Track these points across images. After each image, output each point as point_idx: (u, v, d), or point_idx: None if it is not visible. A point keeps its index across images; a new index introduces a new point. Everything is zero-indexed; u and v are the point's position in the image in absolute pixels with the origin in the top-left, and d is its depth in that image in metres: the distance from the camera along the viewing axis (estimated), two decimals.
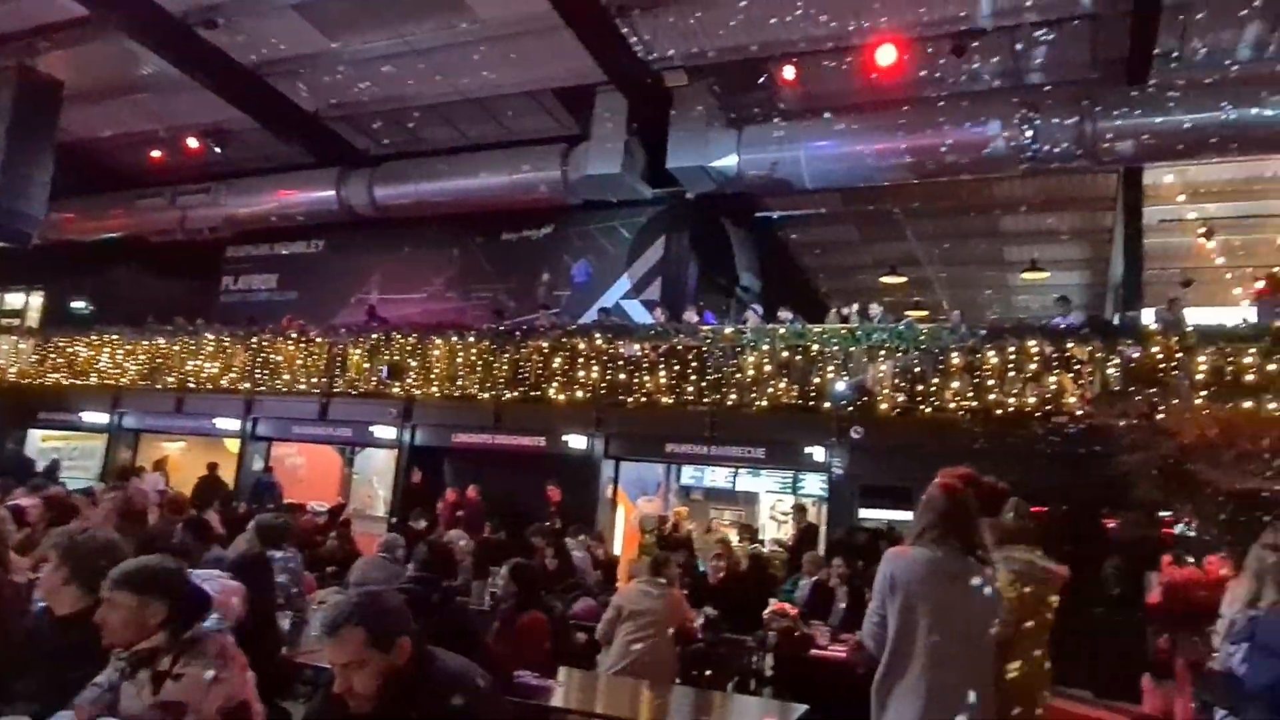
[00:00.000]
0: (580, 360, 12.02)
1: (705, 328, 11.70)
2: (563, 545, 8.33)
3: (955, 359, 10.34)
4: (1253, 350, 9.15)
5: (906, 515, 9.31)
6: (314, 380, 13.73)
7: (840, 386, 10.65)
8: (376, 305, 15.49)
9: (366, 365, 13.42)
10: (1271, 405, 8.70)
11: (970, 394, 10.18)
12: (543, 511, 11.06)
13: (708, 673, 6.41)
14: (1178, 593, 7.20)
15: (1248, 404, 8.72)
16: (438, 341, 13.04)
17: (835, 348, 10.86)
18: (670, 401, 11.44)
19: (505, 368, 12.46)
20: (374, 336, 13.49)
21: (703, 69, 12.23)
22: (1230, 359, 9.16)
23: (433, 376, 12.94)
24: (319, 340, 13.94)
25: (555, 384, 12.06)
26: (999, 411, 10.01)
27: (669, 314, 12.52)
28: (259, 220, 16.84)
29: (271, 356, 14.19)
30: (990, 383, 10.15)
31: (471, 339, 12.85)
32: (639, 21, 11.78)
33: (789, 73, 11.80)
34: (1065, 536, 10.33)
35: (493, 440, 12.41)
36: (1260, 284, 14.09)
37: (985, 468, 9.90)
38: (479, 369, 12.67)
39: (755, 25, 11.34)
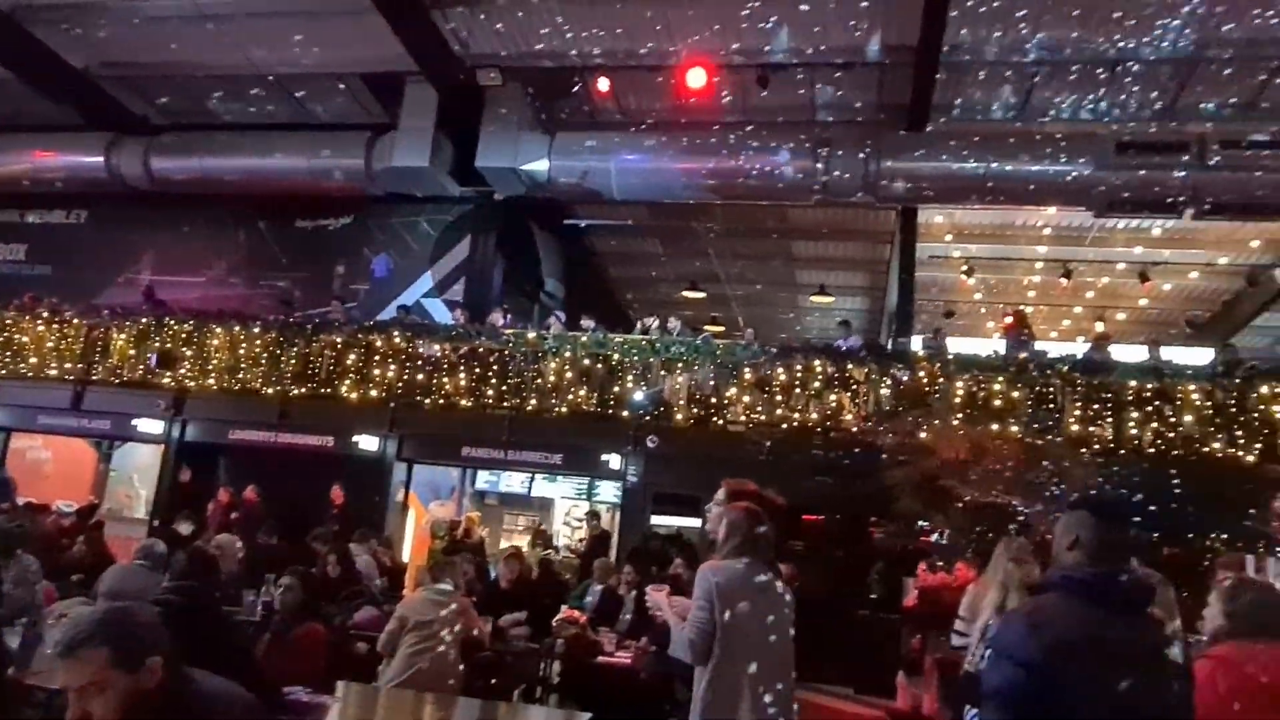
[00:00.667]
0: (376, 358, 11.55)
1: (508, 331, 11.59)
2: (346, 551, 7.94)
3: (747, 374, 10.85)
4: (1001, 378, 10.24)
5: (696, 522, 9.69)
6: (67, 366, 12.34)
7: (638, 396, 10.88)
8: (154, 287, 14.12)
9: (132, 352, 12.22)
10: (1014, 428, 9.76)
11: (759, 408, 10.73)
12: (327, 515, 10.51)
13: (493, 681, 6.32)
14: (930, 596, 7.92)
15: (995, 426, 9.73)
16: (218, 330, 12.11)
17: (635, 358, 11.09)
18: (469, 404, 11.24)
19: (293, 362, 11.76)
20: (143, 321, 12.31)
21: (518, 71, 12.15)
22: (982, 385, 10.19)
23: (210, 368, 11.99)
24: (75, 321, 12.55)
25: (348, 382, 11.52)
26: (784, 425, 10.60)
27: (471, 315, 12.29)
28: (9, 183, 14.96)
29: (16, 337, 12.62)
30: (778, 398, 10.74)
31: (256, 329, 12.03)
32: (455, 16, 11.52)
33: (603, 84, 11.96)
34: (837, 543, 11.17)
35: (275, 438, 11.66)
36: (1008, 319, 15.81)
37: (770, 478, 10.38)
38: (264, 362, 11.88)
39: (570, 34, 11.40)
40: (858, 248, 16.05)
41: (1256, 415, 9.71)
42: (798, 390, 10.67)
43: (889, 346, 12.67)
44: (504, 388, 11.23)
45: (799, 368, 10.73)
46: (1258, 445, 9.58)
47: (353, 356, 11.60)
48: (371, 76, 13.05)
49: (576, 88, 12.31)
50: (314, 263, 14.67)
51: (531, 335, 11.53)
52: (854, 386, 10.59)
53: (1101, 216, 11.64)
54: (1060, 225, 14.00)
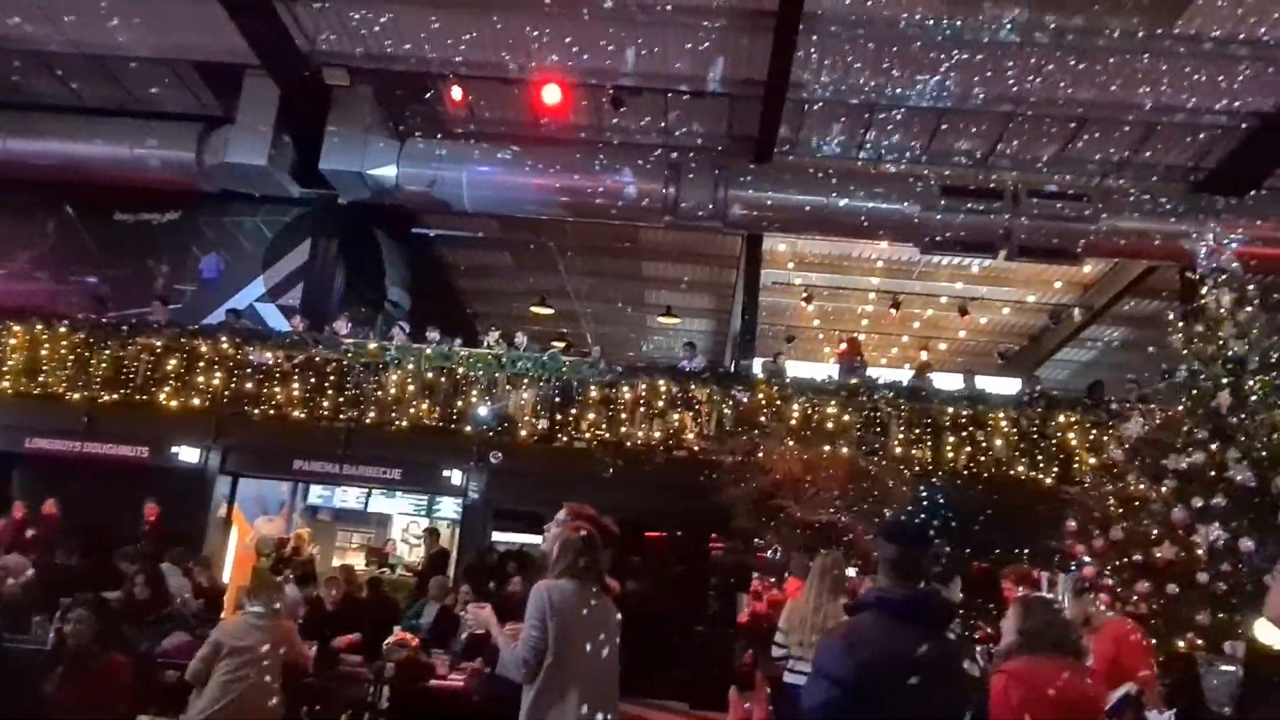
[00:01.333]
0: (201, 364, 10.86)
1: (348, 341, 11.16)
2: (156, 571, 7.36)
3: (594, 392, 10.91)
4: (834, 402, 10.75)
5: (539, 539, 9.62)
6: None
7: (483, 411, 10.72)
8: None
9: None
10: (844, 449, 10.26)
11: (604, 426, 10.80)
12: (139, 532, 9.72)
13: (318, 709, 6.02)
14: (761, 612, 8.17)
15: (827, 447, 10.20)
16: (16, 329, 11.05)
17: (481, 372, 10.93)
18: (302, 415, 10.74)
19: (104, 366, 10.88)
20: None
21: (368, 73, 11.77)
22: (817, 408, 10.67)
23: (5, 369, 10.92)
24: None
25: (167, 388, 10.76)
26: (629, 444, 10.73)
27: (309, 323, 11.75)
28: None
29: None
30: (623, 416, 10.86)
31: (63, 329, 11.06)
32: (301, 11, 11.05)
33: (456, 94, 11.77)
34: (678, 559, 11.38)
35: (81, 448, 10.71)
36: (843, 346, 16.64)
37: (614, 495, 10.40)
38: (70, 364, 10.93)
39: (425, 40, 11.17)
40: (705, 271, 16.49)
41: (1054, 441, 10.63)
42: (642, 409, 10.82)
43: (732, 368, 13.06)
44: (341, 399, 10.82)
45: (644, 387, 10.88)
46: (1055, 468, 10.48)
47: (174, 361, 10.86)
48: (206, 65, 12.30)
49: (429, 94, 12.06)
50: (133, 259, 13.63)
51: (373, 345, 11.15)
52: (696, 406, 10.84)
53: (927, 253, 12.44)
54: (891, 259, 14.90)
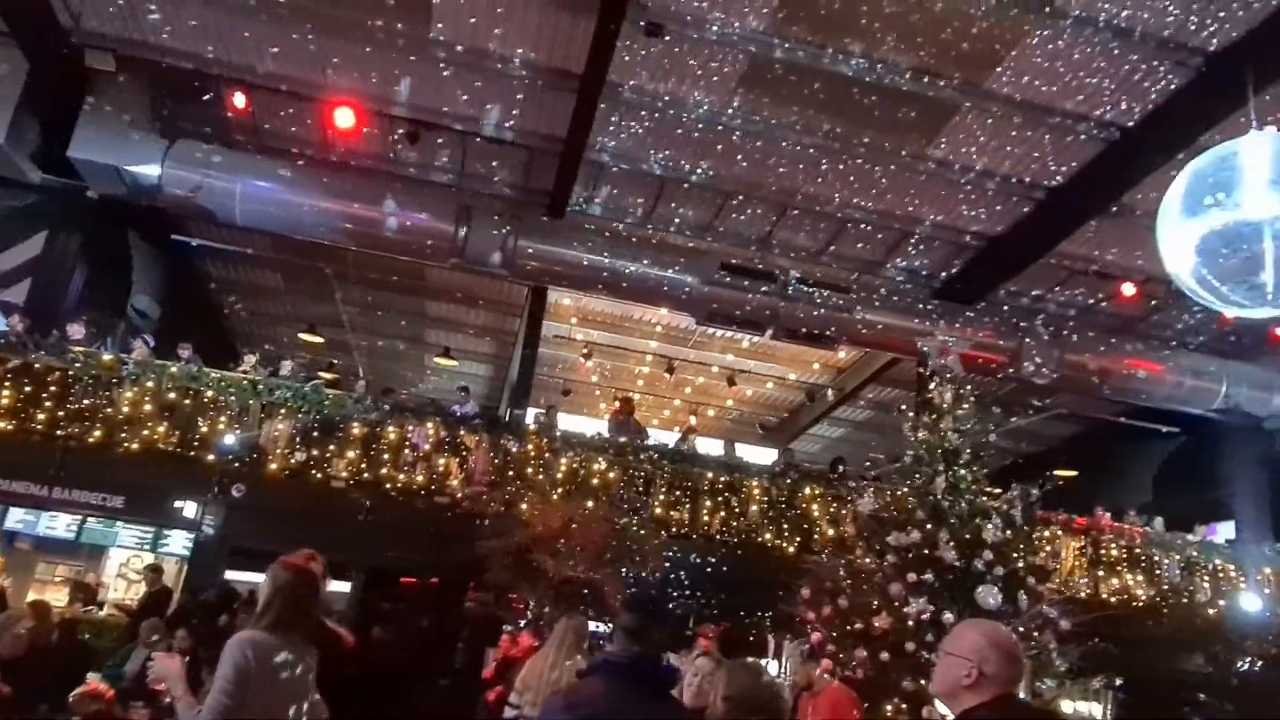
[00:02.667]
0: None
1: (78, 349, 10.01)
2: None
3: (356, 429, 10.43)
4: (601, 459, 10.92)
5: None
6: None
7: (230, 440, 9.93)
8: None
9: None
10: (606, 507, 10.41)
11: (364, 465, 10.33)
12: None
13: None
14: (507, 667, 8.03)
15: (590, 503, 10.30)
16: None
17: (233, 398, 10.15)
18: (9, 428, 9.45)
19: None
20: None
21: (140, 63, 10.81)
22: (583, 463, 10.78)
23: None
24: None
25: None
26: (389, 486, 10.30)
27: (30, 323, 10.42)
28: None
29: None
30: (385, 456, 10.43)
31: None
32: None
33: (239, 100, 11.07)
34: (430, 609, 10.97)
35: None
36: (616, 404, 17.00)
37: (369, 538, 9.93)
38: None
39: (210, 39, 10.46)
40: (489, 316, 16.37)
41: (800, 511, 11.36)
42: (407, 450, 10.46)
43: (506, 417, 12.96)
44: (61, 413, 9.64)
45: (411, 428, 10.54)
46: (798, 538, 11.18)
47: None
48: None
49: (208, 97, 11.25)
50: None
51: (108, 357, 10.07)
52: (464, 453, 10.63)
53: (702, 324, 13.06)
54: (670, 325, 15.50)
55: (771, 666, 5.92)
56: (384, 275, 14.56)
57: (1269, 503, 14.03)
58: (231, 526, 9.93)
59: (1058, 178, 11.31)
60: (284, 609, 3.10)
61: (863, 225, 12.60)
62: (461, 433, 10.75)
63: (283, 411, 10.27)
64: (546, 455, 10.75)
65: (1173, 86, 9.75)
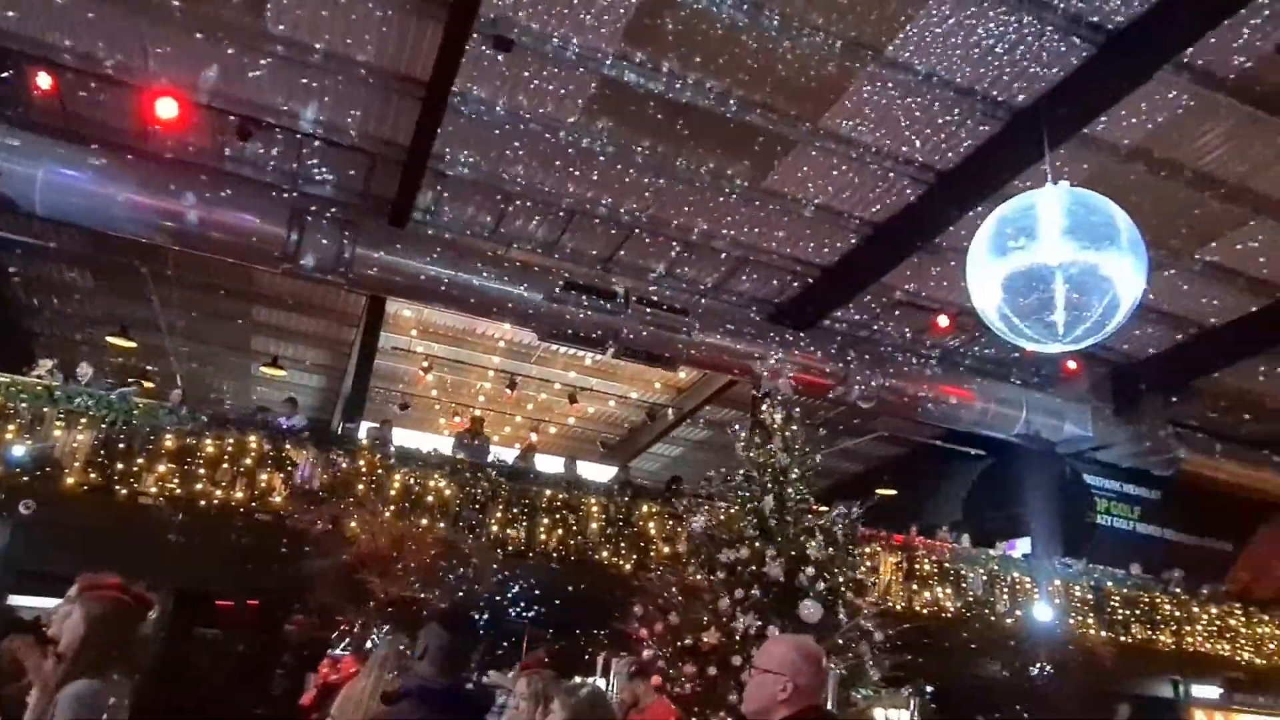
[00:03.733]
0: None
1: None
2: None
3: (169, 441, 9.72)
4: (437, 475, 10.65)
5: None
6: None
7: (19, 451, 9.03)
8: None
9: None
10: (442, 525, 10.17)
11: (178, 480, 9.64)
12: None
13: None
14: (327, 693, 7.67)
15: (424, 521, 10.03)
16: None
17: (24, 404, 9.24)
18: None
19: None
20: None
21: None
22: (419, 480, 10.48)
23: None
24: None
25: None
26: (203, 502, 9.66)
27: None
28: None
29: None
30: (201, 471, 9.78)
31: None
32: None
33: (45, 81, 10.14)
34: (250, 633, 10.33)
35: None
36: (457, 419, 16.68)
37: (181, 559, 9.30)
38: None
39: (12, 11, 9.57)
40: (323, 325, 15.70)
41: (636, 529, 11.48)
42: (226, 465, 9.84)
43: (338, 430, 12.44)
44: None
45: (231, 440, 9.93)
46: (635, 555, 11.29)
47: None
48: None
49: (7, 74, 10.25)
50: None
51: None
52: (289, 468, 10.11)
53: (544, 341, 13.02)
54: (513, 341, 15.38)
55: (600, 684, 5.93)
56: (207, 277, 13.69)
57: (1060, 520, 15.39)
58: (18, 547, 9.01)
59: (883, 214, 12.04)
60: (103, 646, 2.76)
61: (703, 249, 12.95)
62: (287, 446, 10.22)
63: (83, 421, 9.43)
64: (379, 471, 10.38)
65: (985, 137, 10.60)
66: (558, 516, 11.19)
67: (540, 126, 10.77)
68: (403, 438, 14.06)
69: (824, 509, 8.47)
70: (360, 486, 10.12)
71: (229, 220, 10.71)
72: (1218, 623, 14.23)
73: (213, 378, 17.95)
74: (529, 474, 11.48)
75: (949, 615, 12.61)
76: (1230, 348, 14.21)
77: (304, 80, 10.28)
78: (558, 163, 11.38)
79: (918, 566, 12.83)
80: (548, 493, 11.22)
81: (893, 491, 16.32)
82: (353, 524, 9.27)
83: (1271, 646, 14.45)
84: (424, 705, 2.38)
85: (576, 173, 11.55)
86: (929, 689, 13.57)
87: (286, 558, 8.92)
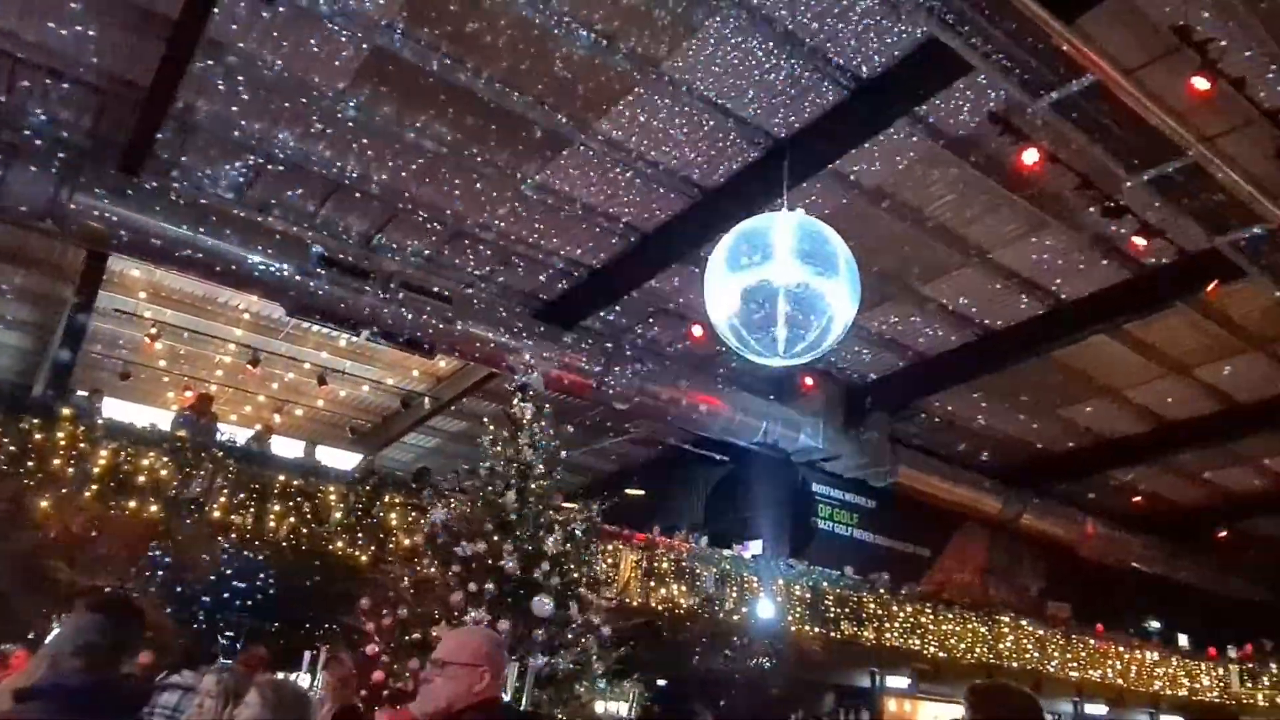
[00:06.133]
0: None
1: None
2: None
3: None
4: (154, 453, 9.68)
5: None
6: None
7: None
8: None
9: None
10: (154, 507, 9.26)
11: None
12: None
13: None
14: None
15: (132, 504, 9.08)
16: None
17: None
18: None
19: None
20: None
21: None
22: (130, 458, 9.47)
23: None
24: None
25: None
26: None
27: None
28: None
29: None
30: None
31: None
32: None
33: None
34: None
35: None
36: (189, 394, 15.32)
37: None
38: None
39: None
40: (34, 279, 13.82)
41: (377, 520, 11.06)
42: None
43: (44, 398, 11.02)
44: None
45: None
46: (373, 547, 10.85)
47: None
48: None
49: None
50: None
51: None
52: None
53: (294, 316, 12.23)
54: (260, 314, 14.31)
55: (305, 680, 5.62)
56: None
57: (789, 524, 16.59)
58: None
59: (651, 223, 12.40)
60: None
61: (472, 238, 12.72)
62: None
63: None
64: (82, 445, 9.27)
65: (747, 160, 11.19)
66: (291, 504, 10.53)
67: (306, 89, 10.11)
68: (121, 410, 12.75)
69: (569, 506, 8.58)
70: (57, 462, 8.97)
71: None
72: (911, 620, 15.89)
73: None
74: (263, 457, 10.72)
75: (682, 612, 13.19)
76: (944, 375, 15.99)
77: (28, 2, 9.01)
78: (323, 129, 10.72)
79: (657, 565, 13.31)
80: (281, 478, 10.54)
81: (641, 492, 16.89)
82: (43, 504, 8.21)
83: (954, 641, 16.34)
84: (55, 705, 2.10)
85: (345, 143, 10.94)
86: (661, 682, 14.18)
87: None
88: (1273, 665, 20.34)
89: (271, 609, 10.15)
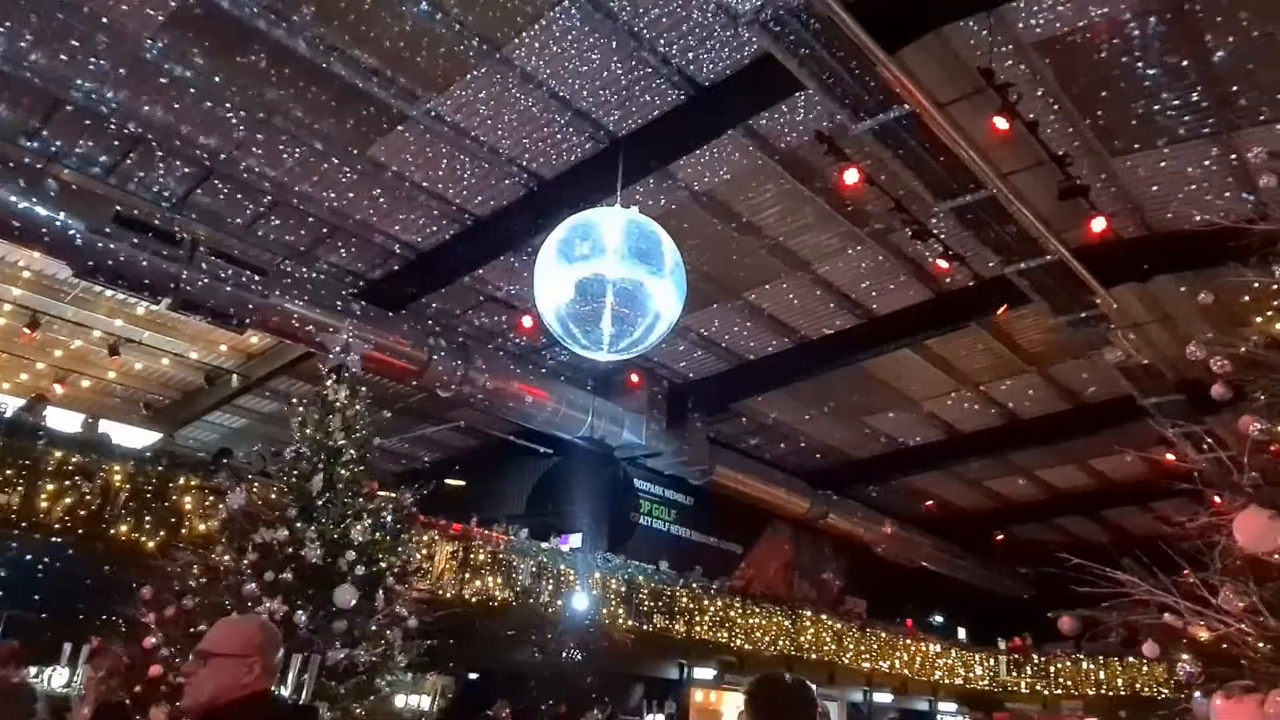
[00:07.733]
0: None
1: None
2: None
3: None
4: None
5: None
6: None
7: None
8: None
9: None
10: None
11: None
12: None
13: None
14: None
15: None
16: None
17: None
18: None
19: None
20: None
21: None
22: None
23: None
24: None
25: None
26: None
27: None
28: None
29: None
30: None
31: None
32: None
33: None
34: None
35: None
36: None
37: None
38: None
39: None
40: None
41: (169, 503, 10.27)
42: None
43: None
44: None
45: None
46: (163, 532, 10.06)
47: None
48: None
49: None
50: None
51: None
52: None
53: (81, 278, 11.15)
54: (43, 273, 12.98)
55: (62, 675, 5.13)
56: None
57: (608, 518, 16.79)
58: None
59: (484, 209, 12.19)
60: None
61: (294, 210, 12.06)
62: None
63: None
64: None
65: (585, 154, 11.21)
66: (68, 483, 9.60)
67: (110, 31, 9.24)
68: None
69: (382, 494, 8.28)
70: None
71: None
72: (721, 614, 16.46)
73: None
74: (34, 430, 9.71)
75: (495, 604, 13.06)
76: (762, 379, 16.65)
77: None
78: (126, 75, 9.84)
79: (473, 556, 13.11)
80: (58, 455, 9.58)
81: (462, 482, 16.60)
82: None
83: (759, 634, 17.06)
84: None
85: (151, 94, 10.09)
86: (472, 675, 13.98)
87: None
88: (1035, 656, 22.53)
89: (38, 598, 9.23)
